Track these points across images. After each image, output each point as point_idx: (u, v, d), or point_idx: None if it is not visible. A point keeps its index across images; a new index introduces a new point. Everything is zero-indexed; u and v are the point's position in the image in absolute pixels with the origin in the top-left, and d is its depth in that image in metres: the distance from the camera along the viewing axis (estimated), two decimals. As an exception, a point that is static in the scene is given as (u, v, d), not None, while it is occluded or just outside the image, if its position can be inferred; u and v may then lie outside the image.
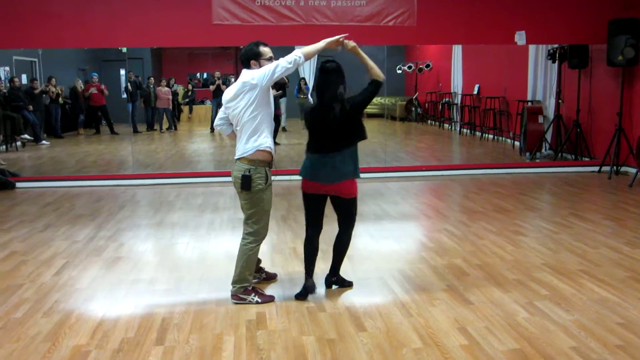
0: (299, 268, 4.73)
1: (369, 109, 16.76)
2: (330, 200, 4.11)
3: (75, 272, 4.72)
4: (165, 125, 16.06)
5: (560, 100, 10.21)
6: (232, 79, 15.51)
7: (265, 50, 3.96)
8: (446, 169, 9.42)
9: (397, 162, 10.02)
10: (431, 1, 8.65)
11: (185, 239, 5.69)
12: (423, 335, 3.50)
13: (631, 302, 3.98)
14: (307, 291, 4.10)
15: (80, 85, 15.11)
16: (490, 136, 12.72)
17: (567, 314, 3.79)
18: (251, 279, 4.10)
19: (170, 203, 7.32)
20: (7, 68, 13.17)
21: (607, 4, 8.88)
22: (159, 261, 5.02)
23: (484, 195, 7.58)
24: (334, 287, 4.29)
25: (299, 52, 3.77)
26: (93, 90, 14.91)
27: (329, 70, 3.93)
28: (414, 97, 17.04)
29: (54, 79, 13.99)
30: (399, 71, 16.84)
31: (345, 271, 4.45)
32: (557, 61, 10.12)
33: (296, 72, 16.54)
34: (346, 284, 4.31)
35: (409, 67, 16.56)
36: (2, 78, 12.37)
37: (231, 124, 4.10)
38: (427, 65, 16.19)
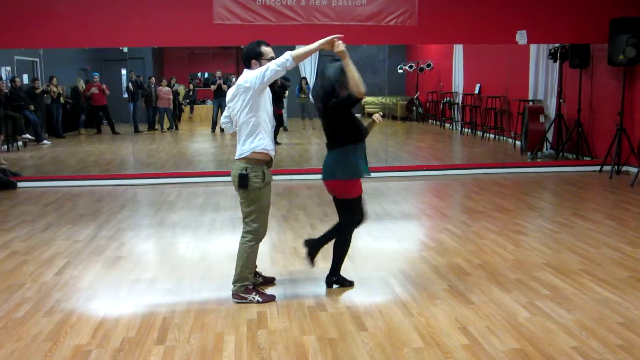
0: (300, 267, 4.74)
1: (370, 108, 16.78)
2: None
3: (76, 271, 4.72)
4: (166, 125, 16.07)
5: (561, 100, 10.20)
6: (233, 79, 15.53)
7: (267, 50, 3.97)
8: (447, 169, 9.41)
9: (398, 161, 10.02)
10: (432, 1, 8.65)
11: (186, 238, 5.70)
12: (424, 335, 3.50)
13: (632, 302, 3.97)
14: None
15: (81, 85, 15.12)
16: (492, 136, 12.72)
17: (568, 314, 3.78)
18: (252, 278, 4.11)
19: (171, 203, 7.32)
20: (9, 68, 13.18)
21: (609, 3, 8.86)
22: (160, 261, 5.02)
23: (485, 195, 7.57)
24: (334, 286, 4.29)
25: (287, 55, 3.75)
26: (94, 90, 14.92)
27: (325, 68, 4.00)
28: (415, 97, 17.04)
29: (55, 79, 14.01)
30: (400, 71, 16.85)
31: (346, 270, 4.45)
32: (558, 60, 10.11)
33: (297, 71, 16.60)
34: (347, 284, 4.31)
35: (410, 67, 16.56)
36: (4, 78, 12.38)
37: None
38: (428, 65, 16.18)
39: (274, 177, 4.13)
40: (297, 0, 8.37)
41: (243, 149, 3.93)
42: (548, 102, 10.81)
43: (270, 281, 4.41)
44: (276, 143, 12.68)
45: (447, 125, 15.50)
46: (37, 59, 14.10)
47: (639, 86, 8.90)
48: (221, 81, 15.14)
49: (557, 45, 9.97)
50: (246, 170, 3.89)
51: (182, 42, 9.06)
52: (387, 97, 16.89)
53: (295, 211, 6.66)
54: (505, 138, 12.12)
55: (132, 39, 8.45)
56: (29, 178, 8.82)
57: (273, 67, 3.75)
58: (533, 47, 10.92)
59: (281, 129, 12.77)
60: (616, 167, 8.86)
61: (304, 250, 4.40)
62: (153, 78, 16.09)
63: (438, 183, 8.64)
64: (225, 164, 10.32)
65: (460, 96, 14.53)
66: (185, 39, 8.60)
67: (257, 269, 4.36)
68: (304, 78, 15.31)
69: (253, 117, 3.89)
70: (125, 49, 9.37)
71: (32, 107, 12.73)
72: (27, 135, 12.66)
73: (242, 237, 4.04)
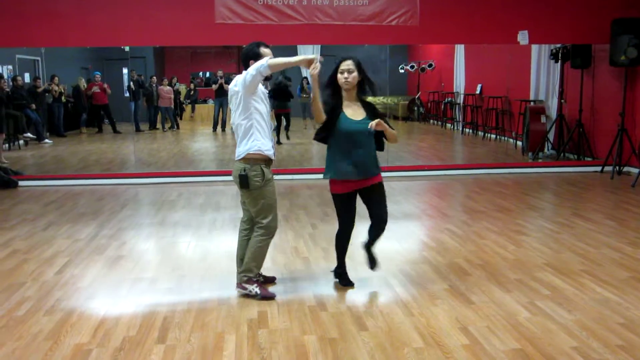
0: (301, 267, 4.75)
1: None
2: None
3: (77, 270, 4.73)
4: (167, 124, 16.07)
5: (562, 100, 10.20)
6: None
7: (265, 52, 4.00)
8: (448, 169, 9.41)
9: (400, 161, 10.02)
10: (434, 1, 8.64)
11: (187, 238, 5.70)
12: (424, 335, 3.50)
13: (633, 302, 3.97)
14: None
15: (83, 84, 15.14)
16: (493, 136, 12.71)
17: (568, 314, 3.78)
18: (256, 271, 4.17)
19: (172, 202, 7.33)
20: (10, 67, 13.20)
21: (610, 3, 8.85)
22: (161, 260, 5.03)
23: (486, 195, 7.57)
24: (334, 280, 4.37)
25: (265, 61, 3.78)
26: (96, 89, 14.94)
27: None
28: (416, 97, 17.04)
29: (56, 78, 14.03)
30: (402, 71, 16.85)
31: (346, 269, 4.47)
32: (559, 61, 10.11)
33: (299, 71, 16.60)
34: (344, 283, 4.32)
35: (412, 67, 16.57)
36: (5, 77, 12.39)
37: None
38: (430, 65, 16.18)
39: (275, 177, 4.15)
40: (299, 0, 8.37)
41: (239, 150, 4.03)
42: (549, 103, 10.80)
43: (270, 280, 4.41)
44: (278, 142, 12.75)
45: (449, 125, 15.50)
46: (39, 58, 14.12)
47: (641, 87, 8.90)
48: (223, 81, 15.14)
49: (558, 45, 9.96)
50: (245, 170, 3.96)
51: (183, 42, 9.06)
52: (388, 97, 16.88)
53: (296, 211, 6.66)
54: (506, 138, 12.12)
55: (134, 38, 8.45)
56: (30, 177, 8.84)
57: (251, 71, 3.82)
58: (534, 48, 10.91)
59: (282, 128, 12.75)
60: (617, 167, 8.85)
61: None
62: (154, 77, 16.09)
63: (439, 183, 8.64)
64: (227, 163, 10.32)
65: (462, 96, 14.53)
66: (186, 38, 8.60)
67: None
68: (305, 78, 15.30)
69: (245, 119, 3.97)
70: (127, 48, 9.37)
71: (33, 106, 12.75)
72: (29, 134, 12.69)
73: (255, 231, 4.14)
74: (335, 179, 4.06)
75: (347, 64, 3.95)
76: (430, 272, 4.61)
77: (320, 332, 3.56)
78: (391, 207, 6.88)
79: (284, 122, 12.82)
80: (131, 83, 15.54)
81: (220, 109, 15.36)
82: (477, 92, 13.47)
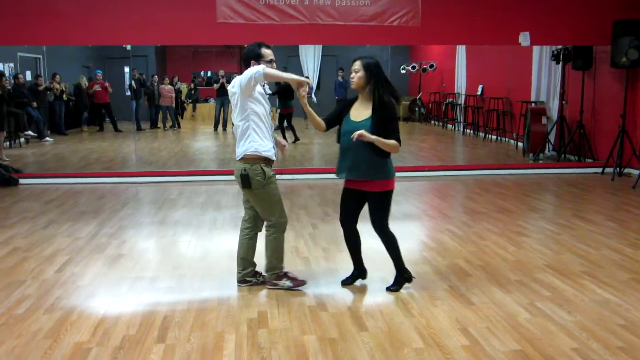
0: (301, 267, 4.75)
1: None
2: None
3: (77, 269, 4.73)
4: (168, 123, 16.08)
5: (563, 102, 10.19)
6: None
7: (267, 52, 4.03)
8: (449, 170, 9.41)
9: (400, 162, 10.01)
10: (435, 1, 8.64)
11: (187, 237, 5.70)
12: (424, 336, 3.50)
13: (633, 304, 3.97)
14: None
15: (84, 82, 15.15)
16: (494, 137, 12.71)
17: (568, 315, 3.78)
18: (282, 266, 4.27)
19: (172, 201, 7.33)
20: (12, 64, 13.22)
21: (612, 5, 8.85)
22: (161, 259, 5.03)
23: (486, 196, 7.57)
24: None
25: (261, 68, 3.84)
26: (97, 87, 14.95)
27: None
28: (417, 97, 17.04)
29: (58, 76, 14.04)
30: (403, 71, 16.85)
31: (347, 270, 4.48)
32: (561, 62, 10.10)
33: (300, 70, 16.59)
34: (347, 282, 4.37)
35: (413, 67, 16.57)
36: (7, 74, 12.40)
37: None
38: (431, 66, 16.18)
39: (276, 177, 4.17)
40: (300, -1, 8.37)
41: (238, 151, 4.09)
42: (550, 104, 10.80)
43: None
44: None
45: (450, 126, 15.50)
46: (40, 56, 14.13)
47: (642, 88, 8.90)
48: (224, 80, 15.15)
49: (559, 47, 9.95)
50: (245, 170, 4.01)
51: (185, 41, 9.07)
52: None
53: (296, 211, 6.66)
54: (507, 139, 12.11)
55: (135, 37, 8.46)
56: (31, 175, 8.84)
57: (247, 74, 3.87)
58: (536, 49, 10.90)
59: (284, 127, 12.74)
60: (618, 169, 8.84)
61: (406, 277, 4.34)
62: (156, 76, 16.10)
63: (440, 184, 8.64)
64: (227, 162, 10.32)
65: (463, 97, 14.53)
66: (188, 37, 8.60)
67: (256, 268, 4.38)
68: (307, 77, 15.30)
69: (242, 120, 4.02)
70: (129, 47, 9.39)
71: (34, 104, 12.75)
72: (30, 132, 12.70)
73: (266, 230, 4.22)
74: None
75: (355, 64, 4.02)
76: (431, 273, 4.61)
77: (320, 332, 3.56)
78: (392, 207, 6.87)
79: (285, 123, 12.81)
80: (132, 82, 15.55)
81: (222, 108, 15.36)
82: (478, 93, 13.47)
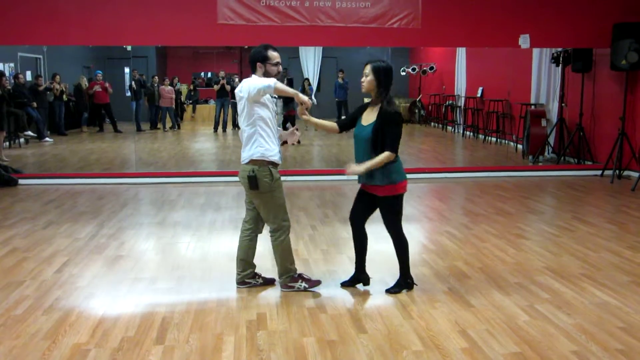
0: (300, 269, 4.72)
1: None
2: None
3: (76, 269, 4.72)
4: (168, 124, 16.08)
5: (563, 104, 10.20)
6: (237, 79, 15.57)
7: (273, 55, 4.04)
8: (449, 172, 9.40)
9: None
10: (436, 3, 8.65)
11: (186, 238, 5.70)
12: (424, 338, 3.49)
13: (632, 306, 3.97)
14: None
15: (84, 82, 15.15)
16: (493, 139, 12.71)
17: (568, 318, 3.78)
18: (294, 268, 4.27)
19: (172, 202, 7.33)
20: (12, 64, 13.22)
21: (612, 8, 8.85)
22: (160, 260, 5.02)
23: (486, 198, 7.57)
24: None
25: (272, 82, 3.89)
26: (97, 88, 14.95)
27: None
28: (417, 99, 17.04)
29: (58, 76, 14.04)
30: (403, 73, 16.85)
31: (348, 272, 4.48)
32: (560, 65, 10.11)
33: (300, 71, 16.59)
34: (347, 283, 4.36)
35: (413, 69, 16.57)
36: (7, 74, 12.40)
37: None
38: (431, 68, 16.19)
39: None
40: (301, 1, 8.37)
41: (244, 155, 4.09)
42: (550, 106, 10.80)
43: (270, 282, 4.40)
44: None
45: (449, 128, 15.50)
46: (41, 56, 14.13)
47: (642, 91, 8.90)
48: (224, 81, 15.16)
49: (559, 49, 9.96)
50: (253, 171, 4.00)
51: (185, 42, 9.07)
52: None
53: (296, 212, 6.66)
54: (507, 141, 12.11)
55: (136, 38, 8.46)
56: (31, 175, 8.83)
57: (256, 85, 3.88)
58: (536, 51, 10.91)
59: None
60: (617, 171, 8.85)
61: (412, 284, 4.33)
62: (156, 77, 16.10)
63: (439, 186, 8.64)
64: (227, 164, 10.33)
65: (463, 99, 14.53)
66: (189, 38, 8.61)
67: (256, 270, 4.37)
68: (307, 79, 15.31)
69: (248, 125, 4.03)
70: (129, 48, 9.39)
71: (34, 104, 12.75)
72: (29, 133, 12.69)
73: (271, 235, 4.20)
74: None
75: (365, 68, 4.04)
76: (430, 275, 4.61)
77: (319, 334, 3.55)
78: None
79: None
80: (133, 82, 15.55)
81: (222, 110, 15.36)
82: (478, 95, 13.47)
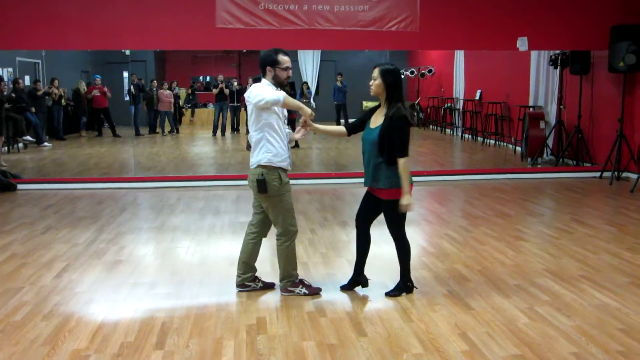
0: (300, 273, 4.72)
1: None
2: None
3: (75, 275, 4.72)
4: (167, 128, 16.07)
5: (561, 106, 10.21)
6: (235, 83, 15.58)
7: (284, 59, 4.05)
8: (448, 174, 9.41)
9: (399, 166, 10.01)
10: (434, 7, 8.67)
11: (186, 242, 5.69)
12: (424, 341, 3.49)
13: (632, 308, 3.97)
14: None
15: (83, 87, 15.14)
16: (492, 141, 12.72)
17: (567, 320, 3.78)
18: (296, 274, 4.28)
19: (171, 206, 7.32)
20: (11, 69, 13.20)
21: (609, 10, 8.88)
22: (160, 265, 5.02)
23: (485, 201, 7.57)
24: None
25: (281, 96, 3.90)
26: (96, 92, 14.94)
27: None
28: (416, 102, 17.05)
29: (56, 81, 14.03)
30: (401, 76, 16.85)
31: (346, 275, 4.48)
32: (558, 67, 10.13)
33: (299, 75, 16.59)
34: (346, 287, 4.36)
35: (411, 72, 16.58)
36: (6, 79, 12.40)
37: None
38: (429, 71, 16.20)
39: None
40: (299, 5, 8.38)
41: (252, 160, 4.10)
42: (548, 109, 10.82)
43: (270, 286, 4.40)
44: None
45: (448, 130, 15.51)
46: (39, 61, 14.12)
47: (639, 93, 8.91)
48: (223, 85, 15.16)
49: (557, 51, 9.98)
50: (262, 175, 4.01)
51: (184, 46, 9.07)
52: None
53: (295, 216, 6.64)
54: (505, 144, 12.12)
55: (135, 42, 8.46)
56: (29, 180, 8.82)
57: (268, 98, 3.87)
58: (534, 54, 10.93)
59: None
60: (616, 173, 8.86)
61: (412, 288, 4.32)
62: (155, 81, 16.09)
63: (438, 188, 8.64)
64: (226, 168, 10.33)
65: (461, 102, 14.54)
66: (187, 42, 8.61)
67: (256, 274, 4.37)
68: (305, 82, 15.32)
69: (256, 131, 4.05)
70: (128, 52, 9.38)
71: (33, 109, 12.74)
72: (28, 137, 12.67)
73: (277, 239, 4.21)
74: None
75: (374, 71, 4.05)
76: (430, 278, 4.61)
77: (319, 338, 3.55)
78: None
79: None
80: (131, 87, 15.54)
81: (221, 114, 15.37)
82: (477, 97, 13.48)
